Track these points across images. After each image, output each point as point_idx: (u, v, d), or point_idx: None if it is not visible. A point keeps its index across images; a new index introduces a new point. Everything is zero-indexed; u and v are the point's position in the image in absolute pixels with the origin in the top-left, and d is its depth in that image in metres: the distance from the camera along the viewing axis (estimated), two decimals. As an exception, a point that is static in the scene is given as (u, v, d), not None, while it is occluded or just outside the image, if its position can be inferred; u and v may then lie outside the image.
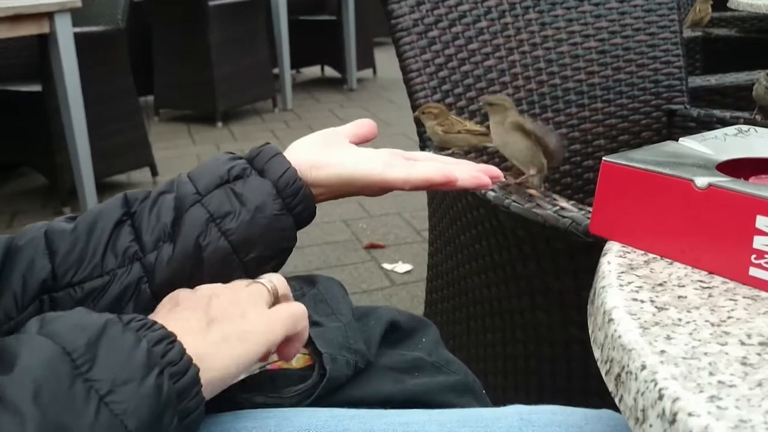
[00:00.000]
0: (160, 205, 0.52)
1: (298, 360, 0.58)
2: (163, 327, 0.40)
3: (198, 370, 0.39)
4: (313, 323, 0.57)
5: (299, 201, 0.54)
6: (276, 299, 0.50)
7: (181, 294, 0.48)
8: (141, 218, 0.51)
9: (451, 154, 1.02)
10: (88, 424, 0.33)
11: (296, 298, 0.58)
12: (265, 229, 0.52)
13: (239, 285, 0.49)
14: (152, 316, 0.44)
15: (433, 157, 0.62)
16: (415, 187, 0.56)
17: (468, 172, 0.58)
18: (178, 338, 0.40)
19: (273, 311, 0.48)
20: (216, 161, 0.54)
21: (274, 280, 0.51)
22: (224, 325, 0.44)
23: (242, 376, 0.52)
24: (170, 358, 0.38)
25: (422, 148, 1.12)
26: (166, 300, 0.48)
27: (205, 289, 0.48)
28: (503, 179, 0.62)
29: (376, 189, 0.57)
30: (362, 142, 0.62)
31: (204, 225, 0.51)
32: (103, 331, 0.37)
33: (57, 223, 0.51)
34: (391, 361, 0.60)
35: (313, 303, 0.60)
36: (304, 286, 0.62)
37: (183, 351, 0.39)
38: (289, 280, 0.59)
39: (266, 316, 0.47)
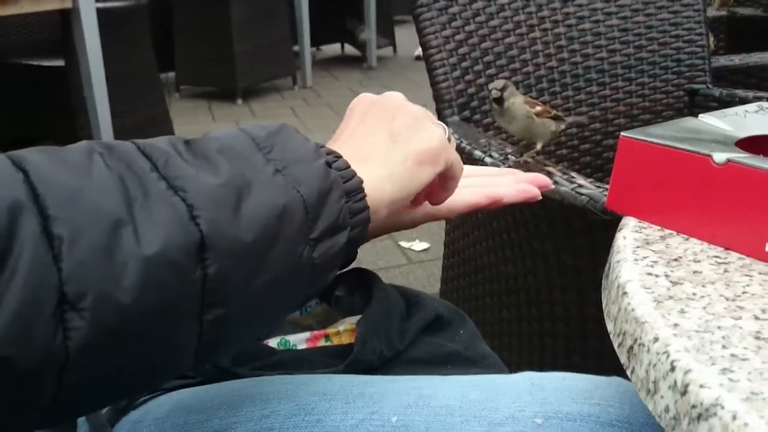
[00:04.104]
0: None
1: (346, 331, 0.59)
2: (326, 147, 0.43)
3: (361, 180, 0.42)
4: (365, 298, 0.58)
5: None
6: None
7: (370, 104, 0.48)
8: None
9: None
10: (266, 181, 0.37)
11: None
12: None
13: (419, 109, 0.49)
14: (341, 132, 0.48)
15: (474, 171, 0.59)
16: (461, 215, 0.55)
17: (513, 186, 0.56)
18: (366, 152, 0.45)
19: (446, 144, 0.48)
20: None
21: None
22: (407, 143, 0.45)
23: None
24: (337, 165, 0.41)
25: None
26: (356, 105, 0.49)
27: (392, 100, 0.48)
28: (552, 187, 0.59)
29: (419, 223, 0.56)
30: None
31: None
32: (280, 129, 0.41)
33: None
34: (426, 351, 0.60)
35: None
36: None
37: (347, 164, 0.42)
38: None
39: (443, 138, 0.47)
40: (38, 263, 0.28)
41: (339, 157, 0.41)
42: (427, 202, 0.53)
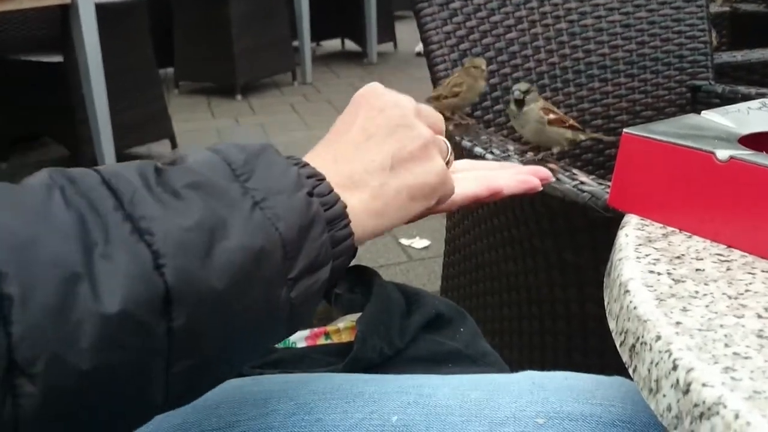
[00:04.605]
0: None
1: (346, 329, 0.58)
2: (310, 166, 0.40)
3: (345, 206, 0.39)
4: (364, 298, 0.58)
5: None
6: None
7: (377, 111, 0.44)
8: None
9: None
10: (243, 219, 0.34)
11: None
12: None
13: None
14: (339, 133, 0.44)
15: (474, 165, 0.58)
16: (461, 208, 0.54)
17: (513, 177, 0.54)
18: (360, 177, 0.41)
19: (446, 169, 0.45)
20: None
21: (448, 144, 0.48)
22: (405, 174, 0.43)
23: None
24: (319, 190, 0.38)
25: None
26: (363, 102, 0.45)
27: (400, 115, 0.44)
28: (553, 179, 0.58)
29: (418, 217, 0.55)
30: None
31: None
32: (260, 151, 0.38)
33: None
34: (427, 349, 0.60)
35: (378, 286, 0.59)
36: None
37: (330, 188, 0.39)
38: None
39: (443, 172, 0.45)
40: None
41: (322, 179, 0.39)
42: None
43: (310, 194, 0.37)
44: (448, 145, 0.47)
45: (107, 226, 0.30)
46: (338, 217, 0.39)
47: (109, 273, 0.29)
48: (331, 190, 0.39)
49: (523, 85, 0.96)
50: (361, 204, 0.41)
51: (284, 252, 0.35)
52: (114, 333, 0.29)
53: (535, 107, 0.95)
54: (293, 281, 0.36)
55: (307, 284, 0.37)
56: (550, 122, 0.95)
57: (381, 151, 0.43)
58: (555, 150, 0.97)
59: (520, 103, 0.95)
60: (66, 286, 0.28)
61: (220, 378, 0.37)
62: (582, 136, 1.00)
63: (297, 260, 0.36)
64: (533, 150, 0.98)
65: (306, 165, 0.39)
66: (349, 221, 0.39)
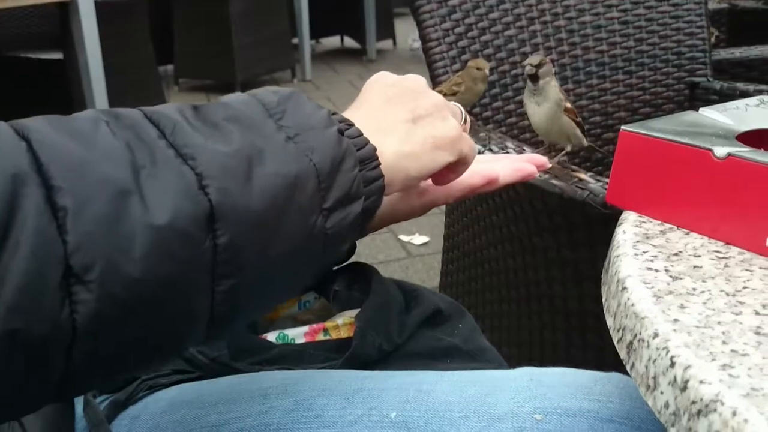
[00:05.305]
0: None
1: (345, 325, 0.58)
2: (339, 114, 0.42)
3: (375, 148, 0.41)
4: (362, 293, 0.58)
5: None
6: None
7: (391, 83, 0.48)
8: None
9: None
10: (278, 149, 0.36)
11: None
12: None
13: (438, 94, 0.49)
14: (360, 104, 0.47)
15: None
16: (458, 199, 0.54)
17: (509, 166, 0.55)
18: (386, 126, 0.44)
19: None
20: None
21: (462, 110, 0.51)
22: (427, 126, 0.45)
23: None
24: (349, 132, 0.40)
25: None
26: (376, 81, 0.48)
27: (414, 84, 0.48)
28: (549, 166, 0.58)
29: (417, 214, 0.55)
30: None
31: None
32: (291, 95, 0.40)
33: None
34: (425, 345, 0.60)
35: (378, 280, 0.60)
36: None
37: (360, 131, 0.41)
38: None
39: (459, 129, 0.47)
40: (42, 235, 0.28)
41: (351, 124, 0.41)
42: (426, 191, 0.53)
43: (341, 132, 0.39)
44: (462, 109, 0.49)
45: (153, 152, 0.32)
46: (369, 158, 0.40)
47: (157, 190, 0.31)
48: (361, 134, 0.41)
49: (534, 58, 0.89)
50: (391, 147, 0.43)
51: (318, 182, 0.37)
52: (164, 243, 0.30)
53: (556, 85, 0.90)
54: (328, 211, 0.37)
55: (341, 216, 0.38)
56: (566, 110, 0.91)
57: (401, 109, 0.45)
58: (568, 147, 0.93)
59: (534, 77, 0.89)
60: (117, 200, 0.30)
61: (261, 307, 0.38)
62: (585, 142, 0.96)
63: (331, 191, 0.37)
64: (533, 146, 0.98)
65: (335, 113, 0.41)
66: (379, 163, 0.41)
